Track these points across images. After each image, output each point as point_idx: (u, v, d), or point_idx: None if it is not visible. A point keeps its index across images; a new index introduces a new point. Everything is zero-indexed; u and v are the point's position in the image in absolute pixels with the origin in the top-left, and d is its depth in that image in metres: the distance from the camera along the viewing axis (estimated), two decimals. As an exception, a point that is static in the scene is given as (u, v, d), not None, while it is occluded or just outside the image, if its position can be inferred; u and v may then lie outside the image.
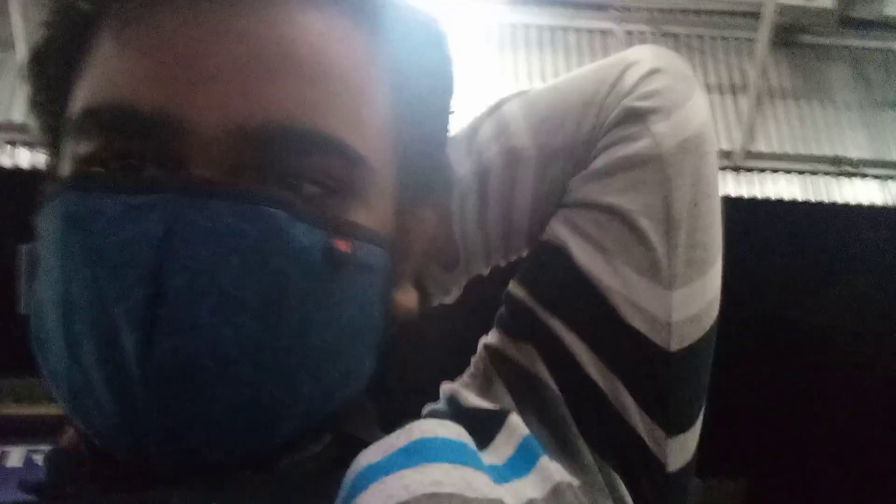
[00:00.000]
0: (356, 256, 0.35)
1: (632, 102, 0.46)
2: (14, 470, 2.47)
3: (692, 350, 0.44)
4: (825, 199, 2.42)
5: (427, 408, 0.48)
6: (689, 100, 0.47)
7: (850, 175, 2.47)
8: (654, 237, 0.44)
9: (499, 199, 0.48)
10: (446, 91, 0.44)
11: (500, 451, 0.40)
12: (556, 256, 0.46)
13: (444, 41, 0.43)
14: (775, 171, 2.45)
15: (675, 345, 0.43)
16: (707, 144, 0.47)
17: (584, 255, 0.45)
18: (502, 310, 0.49)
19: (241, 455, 0.33)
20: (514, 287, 0.48)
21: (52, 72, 0.39)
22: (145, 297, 0.30)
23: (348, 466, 0.36)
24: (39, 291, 0.35)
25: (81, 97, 0.36)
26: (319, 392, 0.35)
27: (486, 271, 0.53)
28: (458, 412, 0.44)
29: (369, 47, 0.39)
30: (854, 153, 2.50)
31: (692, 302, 0.44)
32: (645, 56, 0.49)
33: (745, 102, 2.48)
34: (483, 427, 0.41)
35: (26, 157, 2.09)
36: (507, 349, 0.46)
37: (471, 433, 0.40)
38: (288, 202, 0.33)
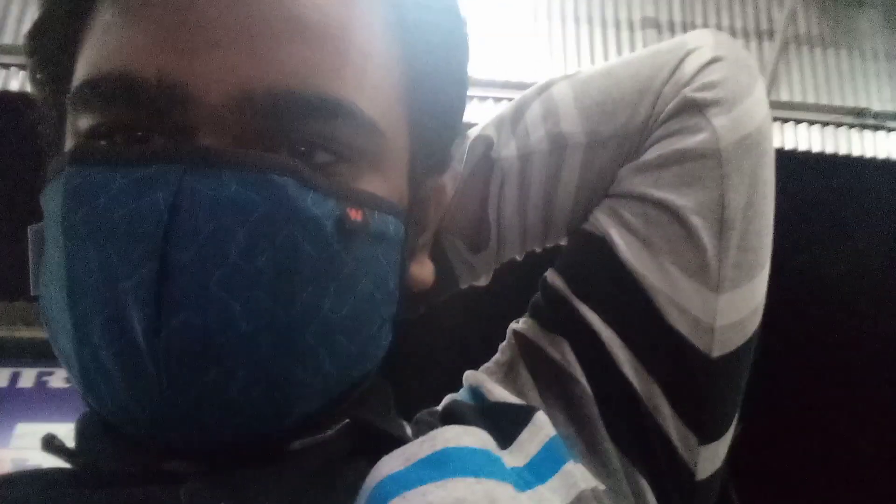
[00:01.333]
0: (369, 225, 0.34)
1: (692, 93, 0.44)
2: (26, 391, 2.53)
3: (733, 356, 0.43)
4: (845, 151, 2.37)
5: (448, 398, 0.46)
6: (751, 92, 0.45)
7: (871, 128, 2.41)
8: (706, 237, 0.42)
9: (542, 184, 0.47)
10: (460, 56, 0.42)
11: (523, 449, 0.39)
12: (599, 248, 0.44)
13: (456, 7, 0.41)
14: (797, 121, 2.39)
15: (716, 351, 0.42)
16: (767, 142, 0.45)
17: (628, 249, 0.43)
18: (537, 297, 0.47)
19: (257, 432, 0.33)
20: (551, 276, 0.46)
21: (52, 45, 0.37)
22: (152, 273, 0.29)
23: (363, 456, 0.35)
24: (47, 271, 0.34)
25: (82, 69, 0.35)
26: (336, 366, 0.34)
27: (520, 256, 0.51)
28: (482, 405, 0.43)
29: (378, 9, 0.37)
30: (877, 105, 2.43)
31: (738, 307, 0.42)
32: (706, 42, 0.46)
33: (770, 49, 2.40)
34: (508, 422, 0.40)
35: (17, 80, 2.05)
36: (538, 339, 0.45)
37: (495, 428, 0.39)
38: (297, 170, 0.32)
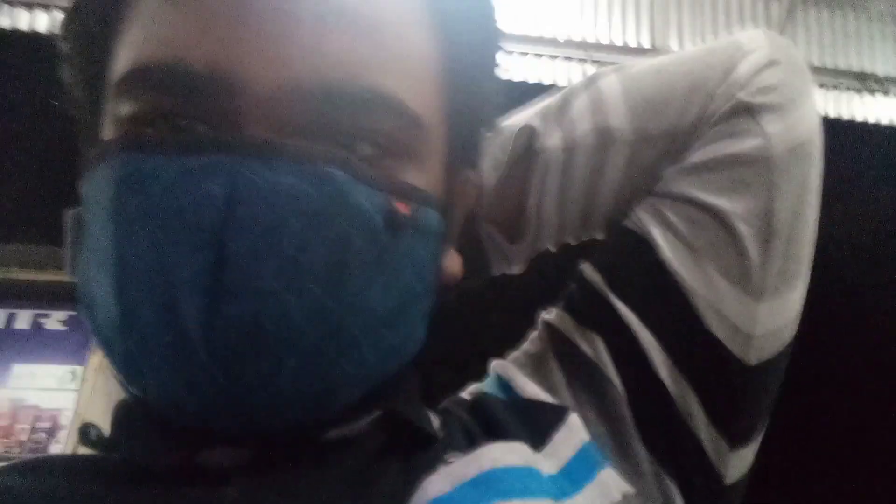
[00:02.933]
0: (416, 219, 0.34)
1: (746, 97, 0.43)
2: (22, 332, 2.55)
3: (770, 364, 0.42)
4: (847, 115, 2.36)
5: (475, 387, 0.46)
6: (805, 99, 0.44)
7: (874, 92, 2.40)
8: (751, 245, 0.41)
9: (584, 178, 0.46)
10: (495, 49, 0.41)
11: (558, 452, 0.39)
12: (640, 247, 0.43)
13: None
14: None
15: (753, 358, 0.41)
16: (817, 151, 0.44)
17: (671, 250, 0.42)
18: (572, 290, 0.47)
19: (302, 420, 0.33)
20: (588, 270, 0.46)
21: (91, 29, 0.36)
22: (207, 263, 0.29)
23: (397, 453, 0.36)
24: (88, 257, 0.33)
25: (127, 56, 0.34)
26: (378, 359, 0.34)
27: (554, 248, 0.50)
28: (513, 401, 0.43)
29: (418, 3, 0.36)
30: (881, 69, 2.42)
31: (777, 316, 0.42)
32: (761, 44, 0.45)
33: (776, 8, 2.37)
34: (541, 422, 0.40)
35: (26, 19, 2.02)
36: (570, 334, 0.44)
37: (526, 426, 0.39)
38: (349, 162, 0.31)
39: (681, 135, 0.44)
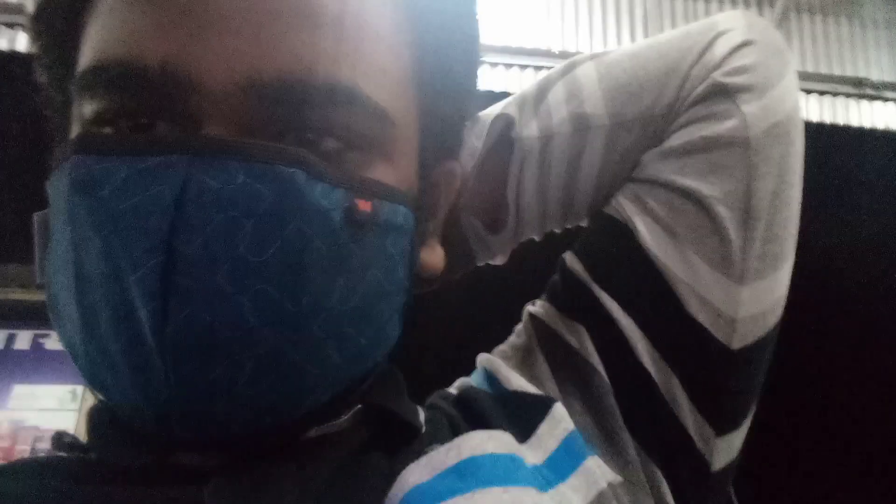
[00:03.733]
0: (378, 216, 0.33)
1: (721, 77, 0.42)
2: (22, 352, 2.54)
3: (753, 348, 0.42)
4: (844, 121, 2.37)
5: (461, 381, 0.46)
6: (782, 79, 0.43)
7: (870, 98, 2.40)
8: (731, 228, 0.41)
9: (563, 165, 0.45)
10: (471, 40, 0.41)
11: (543, 443, 0.38)
12: (621, 234, 0.43)
13: None
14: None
15: (737, 342, 0.41)
16: (796, 130, 0.43)
17: (651, 237, 0.42)
18: (555, 280, 0.46)
19: (268, 425, 0.32)
20: (570, 259, 0.46)
21: (57, 27, 0.36)
22: (157, 266, 0.28)
23: (381, 447, 0.35)
24: (52, 261, 0.33)
25: (87, 54, 0.33)
26: (345, 359, 0.33)
27: (538, 237, 0.50)
28: (499, 393, 0.43)
29: None
30: (876, 75, 2.43)
31: (760, 299, 0.42)
32: (737, 25, 0.44)
33: (770, 16, 2.38)
34: (526, 413, 0.40)
35: (24, 40, 2.02)
36: (555, 325, 0.44)
37: (512, 418, 0.39)
38: (306, 160, 0.31)
39: (657, 118, 0.44)
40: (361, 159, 0.33)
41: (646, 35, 2.34)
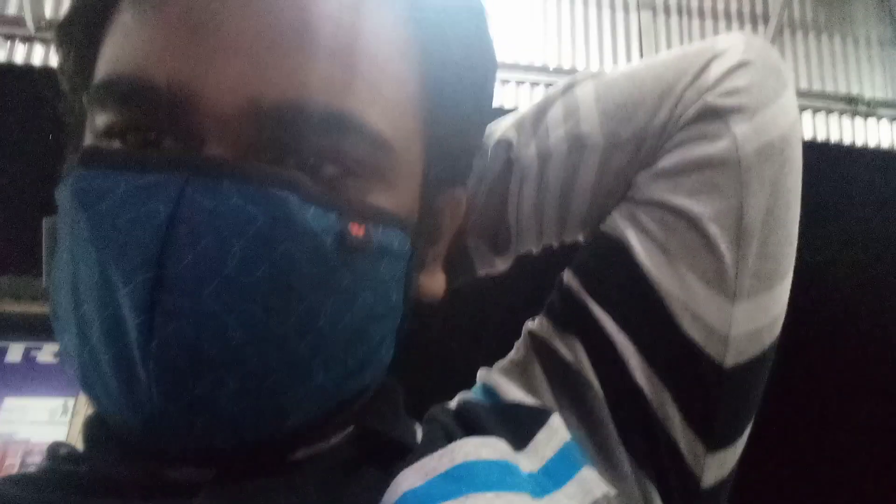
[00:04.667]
0: (371, 241, 0.33)
1: (713, 98, 0.43)
2: (14, 365, 2.52)
3: (747, 367, 0.42)
4: (837, 138, 2.39)
5: (461, 395, 0.46)
6: (776, 99, 0.44)
7: (863, 115, 2.42)
8: (723, 245, 0.41)
9: (559, 184, 0.46)
10: (485, 70, 0.42)
11: (539, 451, 0.38)
12: (615, 251, 0.44)
13: (482, 15, 0.41)
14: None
15: (730, 360, 0.41)
16: (791, 150, 0.43)
17: (645, 254, 0.42)
18: (553, 297, 0.47)
19: (253, 442, 0.32)
20: (567, 276, 0.46)
21: (78, 38, 0.37)
22: (146, 281, 0.29)
23: (373, 462, 0.35)
24: (56, 268, 0.34)
25: (101, 67, 0.35)
26: (333, 379, 0.33)
27: (536, 250, 0.51)
28: (497, 405, 0.43)
29: (398, 22, 0.36)
30: (869, 92, 2.45)
31: (755, 317, 0.42)
32: (735, 46, 0.45)
33: (763, 33, 2.40)
34: (523, 424, 0.40)
35: (21, 52, 2.03)
36: (551, 339, 0.45)
37: (510, 429, 0.39)
38: (300, 184, 0.31)
39: (649, 138, 0.44)
40: (360, 185, 0.34)
41: (641, 52, 2.35)
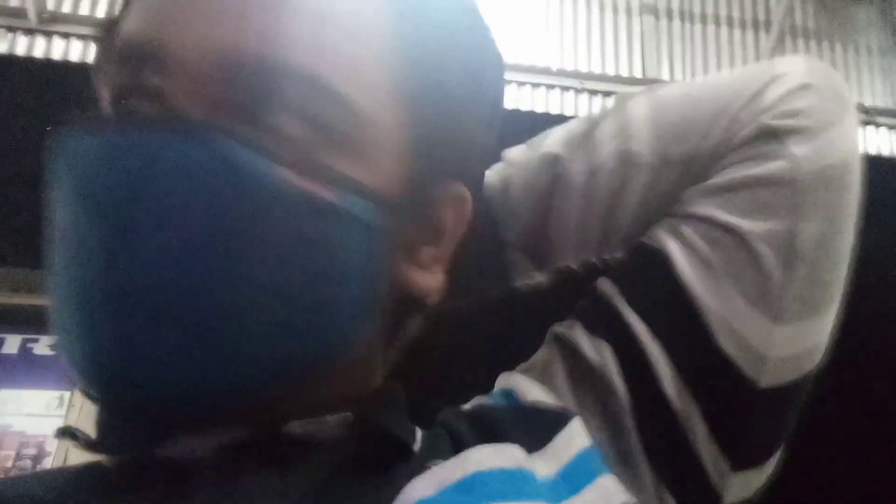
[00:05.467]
0: (324, 197, 0.33)
1: (771, 120, 0.42)
2: (10, 357, 2.52)
3: (783, 391, 0.41)
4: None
5: (476, 399, 0.45)
6: (838, 123, 0.43)
7: (863, 123, 2.42)
8: (772, 266, 0.40)
9: (604, 200, 0.46)
10: (479, 62, 0.41)
11: (557, 454, 0.38)
12: (655, 261, 0.43)
13: (474, 9, 0.41)
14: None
15: (764, 381, 0.40)
16: (850, 176, 0.43)
17: (686, 266, 0.42)
18: (584, 302, 0.46)
19: (202, 394, 0.32)
20: (601, 283, 0.46)
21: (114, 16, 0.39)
22: (103, 233, 0.31)
23: (372, 465, 0.35)
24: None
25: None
26: (288, 340, 0.33)
27: (575, 265, 0.50)
28: (514, 407, 0.43)
29: (384, 9, 0.37)
30: (869, 100, 2.45)
31: (796, 342, 0.41)
32: (795, 69, 0.44)
33: (765, 40, 2.41)
34: (543, 425, 0.40)
35: (23, 44, 2.03)
36: (578, 339, 0.44)
37: (528, 430, 0.39)
38: (250, 138, 0.32)
39: (701, 157, 0.44)
40: (326, 150, 0.34)
41: (642, 56, 2.36)
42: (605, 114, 0.48)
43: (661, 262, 0.43)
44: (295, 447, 0.34)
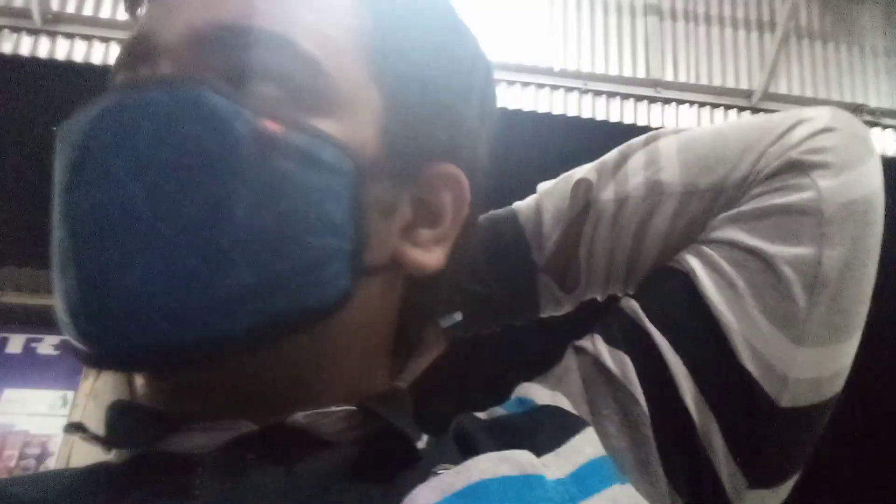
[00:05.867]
0: (290, 140, 0.34)
1: (798, 154, 0.44)
2: (14, 356, 2.53)
3: (803, 413, 0.42)
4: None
5: (494, 410, 0.46)
6: (861, 163, 0.44)
7: (868, 124, 2.42)
8: (797, 289, 0.42)
9: (633, 227, 0.47)
10: (452, 38, 0.43)
11: (571, 456, 0.38)
12: (680, 280, 0.44)
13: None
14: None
15: (786, 401, 0.41)
16: (874, 214, 0.44)
17: (711, 286, 0.43)
18: (606, 318, 0.47)
19: (176, 335, 0.32)
20: (625, 301, 0.47)
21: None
22: (72, 163, 0.33)
23: (377, 467, 0.35)
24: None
25: None
26: (261, 282, 0.33)
27: (601, 297, 0.51)
28: (531, 410, 0.43)
29: None
30: (874, 102, 2.44)
31: (817, 365, 0.42)
32: (821, 114, 0.46)
33: (770, 41, 2.40)
34: (559, 425, 0.40)
35: (27, 44, 2.03)
36: (599, 351, 0.45)
37: (543, 429, 0.39)
38: (217, 84, 0.34)
39: (729, 188, 0.45)
40: (298, 109, 0.36)
41: (647, 57, 2.35)
42: (635, 147, 0.49)
43: (684, 279, 0.44)
44: (300, 442, 0.35)
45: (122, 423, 0.36)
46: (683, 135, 0.49)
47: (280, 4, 0.37)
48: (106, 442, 0.36)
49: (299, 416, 0.35)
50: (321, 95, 0.36)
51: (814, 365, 0.42)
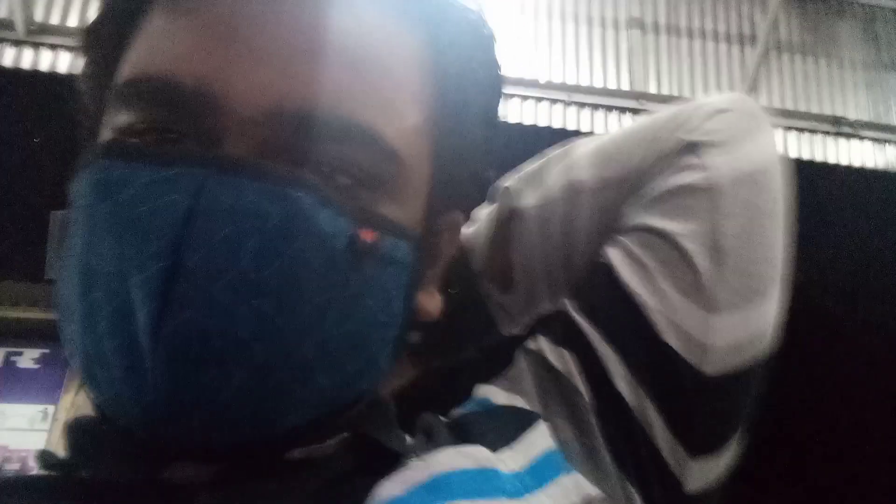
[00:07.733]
0: (381, 248, 0.34)
1: (691, 137, 0.47)
2: (-6, 370, 2.49)
3: (731, 378, 0.44)
4: (822, 157, 2.41)
5: (455, 411, 0.47)
6: (752, 135, 0.48)
7: (847, 136, 2.45)
8: (700, 259, 0.44)
9: (559, 228, 0.50)
10: (491, 96, 0.44)
11: (526, 450, 0.40)
12: (602, 273, 0.47)
13: (492, 45, 0.43)
14: (773, 127, 2.43)
15: (709, 368, 0.43)
16: (768, 179, 0.47)
17: (627, 271, 0.46)
18: (547, 318, 0.50)
19: (250, 439, 0.33)
20: (562, 301, 0.49)
21: (105, 42, 0.39)
22: (161, 270, 0.29)
23: (366, 473, 0.36)
24: (66, 258, 0.34)
25: (127, 68, 0.36)
26: (333, 383, 0.34)
27: (551, 303, 0.53)
28: (488, 410, 0.45)
29: (417, 44, 0.38)
30: (853, 114, 2.48)
31: (734, 329, 0.44)
32: (717, 99, 0.50)
33: (751, 54, 2.43)
34: (513, 423, 0.42)
35: (10, 56, 2.02)
36: (544, 351, 0.47)
37: (498, 429, 0.41)
38: (315, 187, 0.32)
39: (632, 175, 0.49)
40: (371, 195, 0.35)
41: (630, 69, 2.38)
42: (554, 157, 0.53)
43: (605, 272, 0.47)
44: (292, 467, 0.35)
45: (104, 451, 0.35)
46: (599, 138, 0.52)
47: (364, 87, 0.35)
48: (94, 472, 0.35)
49: (296, 453, 0.35)
50: (395, 184, 0.36)
51: (730, 330, 0.44)
